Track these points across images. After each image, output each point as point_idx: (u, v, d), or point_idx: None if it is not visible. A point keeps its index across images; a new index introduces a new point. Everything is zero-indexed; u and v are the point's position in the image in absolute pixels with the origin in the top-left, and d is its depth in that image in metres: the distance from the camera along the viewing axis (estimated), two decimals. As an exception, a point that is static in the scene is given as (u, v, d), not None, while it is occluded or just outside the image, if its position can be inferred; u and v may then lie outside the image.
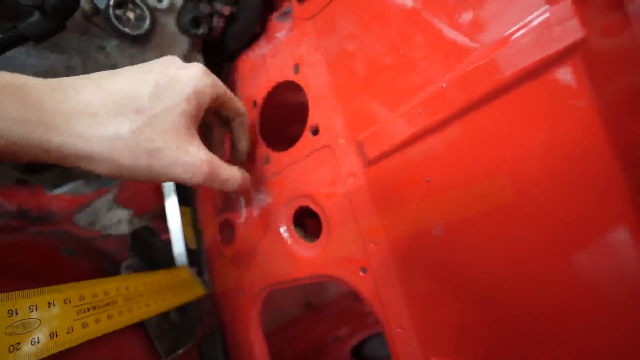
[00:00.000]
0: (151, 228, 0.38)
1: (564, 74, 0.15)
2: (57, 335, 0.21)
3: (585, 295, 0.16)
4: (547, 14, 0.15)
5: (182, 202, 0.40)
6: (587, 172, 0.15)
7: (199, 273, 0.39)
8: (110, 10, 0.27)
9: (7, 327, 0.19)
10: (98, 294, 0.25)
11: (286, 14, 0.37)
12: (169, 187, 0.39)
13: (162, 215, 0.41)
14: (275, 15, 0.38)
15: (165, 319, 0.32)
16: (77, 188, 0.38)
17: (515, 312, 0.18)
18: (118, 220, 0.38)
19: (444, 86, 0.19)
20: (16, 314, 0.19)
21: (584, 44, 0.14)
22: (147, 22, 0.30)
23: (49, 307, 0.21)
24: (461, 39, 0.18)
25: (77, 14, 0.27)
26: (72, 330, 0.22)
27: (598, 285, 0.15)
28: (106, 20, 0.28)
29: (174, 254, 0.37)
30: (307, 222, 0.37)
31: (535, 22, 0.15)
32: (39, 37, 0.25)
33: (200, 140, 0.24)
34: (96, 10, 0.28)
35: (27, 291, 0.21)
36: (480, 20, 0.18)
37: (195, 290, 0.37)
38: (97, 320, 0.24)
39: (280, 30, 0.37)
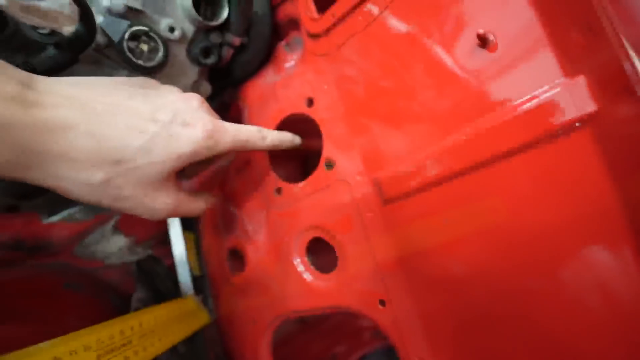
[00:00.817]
0: (155, 257, 0.37)
1: (577, 141, 0.17)
2: (79, 386, 0.20)
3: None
4: (562, 86, 0.17)
5: (185, 227, 0.40)
6: (594, 222, 0.17)
7: (204, 300, 0.39)
8: (125, 43, 0.27)
9: (34, 384, 0.18)
10: (115, 335, 0.24)
11: (293, 44, 0.38)
12: (172, 213, 0.38)
13: (163, 241, 0.40)
14: (282, 44, 0.38)
15: (174, 352, 0.32)
16: (74, 215, 0.37)
17: (535, 349, 0.20)
18: (119, 249, 0.37)
19: (464, 139, 0.20)
20: (41, 368, 0.19)
21: (596, 117, 0.16)
22: (161, 54, 0.29)
23: (71, 355, 0.21)
24: (484, 96, 0.20)
25: (90, 46, 0.27)
26: (93, 378, 0.21)
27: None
28: (119, 53, 0.28)
29: (179, 281, 0.37)
30: (315, 249, 0.38)
31: (553, 92, 0.17)
32: (51, 71, 0.24)
33: (174, 183, 0.24)
34: (110, 42, 0.27)
35: (50, 342, 0.20)
36: (502, 82, 0.19)
37: (200, 319, 0.37)
38: (115, 364, 0.23)
39: (289, 61, 0.37)
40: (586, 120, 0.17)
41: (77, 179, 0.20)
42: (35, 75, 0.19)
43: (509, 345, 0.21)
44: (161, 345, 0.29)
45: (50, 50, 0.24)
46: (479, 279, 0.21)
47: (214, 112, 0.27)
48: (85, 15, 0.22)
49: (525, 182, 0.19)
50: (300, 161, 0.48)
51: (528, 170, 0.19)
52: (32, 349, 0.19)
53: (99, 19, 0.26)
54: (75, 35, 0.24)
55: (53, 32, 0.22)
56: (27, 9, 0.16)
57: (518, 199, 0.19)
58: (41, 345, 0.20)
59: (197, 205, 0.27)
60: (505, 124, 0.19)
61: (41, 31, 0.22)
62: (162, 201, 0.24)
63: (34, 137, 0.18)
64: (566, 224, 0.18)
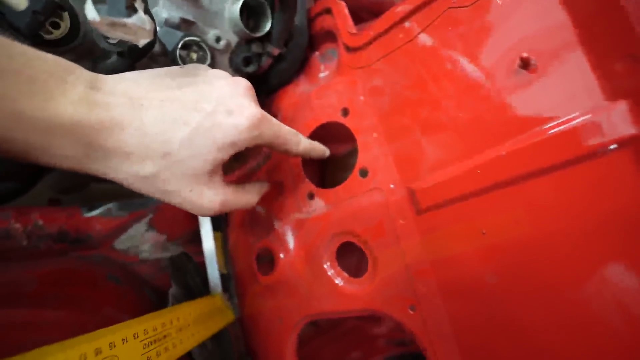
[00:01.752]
0: (187, 254, 0.39)
1: (616, 161, 0.18)
2: (130, 371, 0.22)
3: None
4: (603, 109, 0.18)
5: (214, 227, 0.41)
6: (628, 242, 0.18)
7: (230, 298, 0.40)
8: (178, 52, 0.29)
9: (96, 366, 0.19)
10: (157, 327, 0.26)
11: (327, 56, 0.40)
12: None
13: (193, 240, 0.42)
14: (316, 55, 0.40)
15: (204, 348, 0.33)
16: (112, 211, 0.39)
17: (563, 354, 0.20)
18: (152, 245, 0.39)
19: (503, 155, 0.21)
20: (101, 352, 0.20)
21: (636, 139, 0.17)
22: (208, 62, 0.31)
23: (123, 343, 0.22)
24: (521, 114, 0.21)
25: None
26: (141, 366, 0.23)
27: None
28: (171, 61, 0.30)
29: (208, 279, 0.38)
30: (342, 252, 0.39)
31: (592, 114, 0.18)
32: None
33: (221, 177, 0.24)
34: (164, 51, 0.29)
35: (107, 329, 0.21)
36: (544, 100, 0.20)
37: (226, 316, 0.38)
38: (158, 354, 0.25)
39: (322, 71, 0.39)
40: (625, 143, 0.17)
41: (130, 171, 0.21)
42: (99, 75, 0.21)
43: (537, 357, 0.21)
44: (194, 340, 0.30)
45: (114, 58, 0.26)
46: (509, 290, 0.22)
47: (257, 102, 0.26)
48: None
49: (561, 198, 0.20)
50: (320, 165, 0.50)
51: (565, 187, 0.19)
52: (90, 335, 0.21)
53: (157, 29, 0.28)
54: (137, 45, 0.26)
55: (120, 42, 0.24)
56: (115, 25, 0.17)
57: (553, 214, 0.20)
58: (97, 332, 0.21)
59: (248, 197, 0.27)
60: (543, 142, 0.20)
61: (111, 41, 0.24)
62: (208, 196, 0.24)
63: (96, 135, 0.19)
64: (600, 243, 0.19)
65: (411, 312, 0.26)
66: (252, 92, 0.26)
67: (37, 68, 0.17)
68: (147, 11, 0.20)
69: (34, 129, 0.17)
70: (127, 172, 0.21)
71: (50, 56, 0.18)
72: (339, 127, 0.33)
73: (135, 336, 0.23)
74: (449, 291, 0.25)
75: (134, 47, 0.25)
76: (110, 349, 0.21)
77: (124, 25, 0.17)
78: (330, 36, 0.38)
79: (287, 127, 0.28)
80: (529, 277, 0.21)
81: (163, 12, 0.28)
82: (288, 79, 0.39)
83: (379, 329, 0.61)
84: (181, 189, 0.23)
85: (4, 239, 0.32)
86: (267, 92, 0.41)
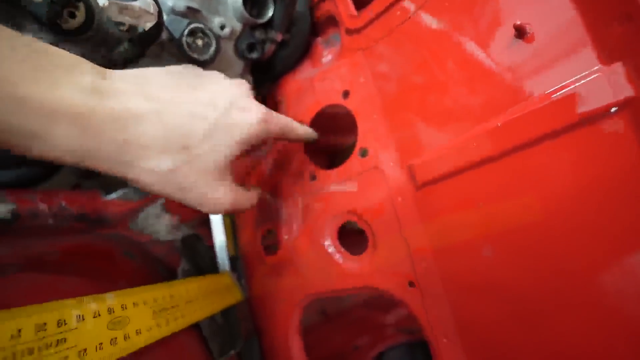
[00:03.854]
0: (198, 235, 0.40)
1: (614, 125, 0.17)
2: (140, 333, 0.23)
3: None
4: (600, 72, 0.18)
5: (223, 210, 0.43)
6: (629, 202, 0.18)
7: (238, 278, 0.42)
8: (184, 38, 0.30)
9: (108, 324, 0.21)
10: (166, 297, 0.28)
11: (330, 41, 0.40)
12: (213, 197, 0.42)
13: (204, 223, 0.43)
14: (319, 40, 0.41)
15: (213, 322, 0.34)
16: (129, 194, 0.41)
17: (558, 328, 0.20)
18: (166, 226, 0.41)
19: (499, 125, 0.21)
20: (113, 312, 0.22)
21: (634, 101, 0.17)
22: (213, 49, 0.33)
23: (134, 306, 0.24)
24: (518, 84, 0.21)
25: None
26: (151, 329, 0.24)
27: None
28: (178, 47, 0.31)
29: (217, 260, 0.40)
30: (343, 234, 0.40)
31: (590, 78, 0.18)
32: (124, 63, 0.28)
33: (232, 175, 0.25)
34: (171, 38, 0.31)
35: (118, 292, 0.23)
36: (540, 70, 0.20)
37: (235, 295, 0.40)
38: (168, 321, 0.26)
39: (325, 56, 0.40)
40: (623, 105, 0.17)
41: (145, 166, 0.20)
42: (107, 69, 0.20)
43: (537, 337, 0.21)
44: (202, 313, 0.32)
45: (125, 45, 0.27)
46: (508, 266, 0.22)
47: None
48: (158, 14, 0.25)
49: (559, 167, 0.20)
50: (327, 156, 0.50)
51: (562, 155, 0.19)
52: (102, 295, 0.22)
53: (164, 17, 0.30)
54: (146, 32, 0.27)
55: (129, 29, 0.26)
56: (122, 9, 0.19)
57: (552, 184, 0.20)
58: (110, 293, 0.23)
59: (250, 198, 0.27)
60: (541, 109, 0.20)
61: (121, 27, 0.25)
62: (222, 193, 0.24)
63: (109, 126, 0.18)
64: (603, 211, 0.18)
65: (410, 288, 0.27)
66: (252, 92, 0.28)
67: (42, 59, 0.17)
68: (150, -4, 0.21)
69: (37, 115, 0.16)
70: (142, 167, 0.20)
71: (56, 48, 0.18)
72: (343, 117, 0.33)
73: (145, 302, 0.25)
74: (447, 266, 0.25)
75: (143, 34, 0.27)
76: (122, 310, 0.22)
77: (133, 9, 0.19)
78: (333, 21, 0.38)
79: (286, 118, 0.29)
80: (526, 249, 0.21)
81: (169, 0, 0.29)
82: (292, 64, 0.40)
83: (387, 318, 0.61)
84: (198, 184, 0.22)
85: (31, 218, 0.34)
86: (271, 78, 0.42)
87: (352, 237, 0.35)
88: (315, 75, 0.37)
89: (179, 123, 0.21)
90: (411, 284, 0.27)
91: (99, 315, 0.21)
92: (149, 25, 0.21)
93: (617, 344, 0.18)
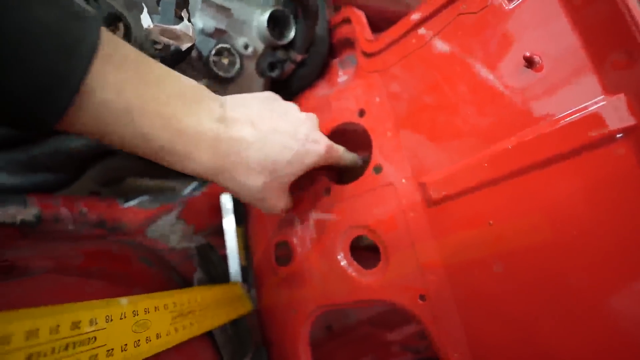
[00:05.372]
0: (211, 245, 0.41)
1: (617, 151, 0.19)
2: (160, 337, 0.24)
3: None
4: (604, 102, 0.19)
5: (236, 221, 0.44)
6: (633, 225, 0.19)
7: (248, 289, 0.42)
8: (211, 57, 0.33)
9: (132, 326, 0.22)
10: (184, 303, 0.28)
11: (346, 62, 0.42)
12: (227, 208, 0.43)
13: (217, 232, 0.44)
14: (336, 61, 0.43)
15: (225, 331, 0.35)
16: (145, 203, 0.43)
17: (568, 348, 0.21)
18: (181, 235, 0.42)
19: (510, 147, 0.23)
20: (137, 314, 0.23)
21: (635, 130, 0.18)
22: (237, 67, 0.35)
23: (155, 310, 0.24)
24: (528, 111, 0.22)
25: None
26: (169, 334, 0.25)
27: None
28: (204, 65, 0.33)
29: (229, 269, 0.40)
30: (355, 251, 0.41)
31: (594, 107, 0.19)
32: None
33: (288, 190, 0.31)
34: (199, 56, 0.33)
35: (141, 295, 0.24)
36: (547, 98, 0.22)
37: (245, 305, 0.40)
38: (184, 327, 0.27)
39: (341, 76, 0.42)
40: (625, 133, 0.18)
41: (245, 183, 0.26)
42: (218, 96, 0.26)
43: (549, 348, 0.22)
44: (215, 321, 0.33)
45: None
46: (518, 283, 0.23)
47: None
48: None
49: (565, 189, 0.21)
50: (338, 171, 0.52)
51: (568, 177, 0.20)
52: (129, 297, 0.23)
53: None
54: (177, 50, 0.29)
55: (164, 47, 0.28)
56: (165, 31, 0.20)
57: (558, 206, 0.21)
58: (135, 296, 0.24)
59: (291, 202, 0.33)
60: (548, 134, 0.21)
61: (157, 46, 0.28)
62: (284, 201, 0.31)
63: (229, 149, 0.24)
64: (608, 234, 0.19)
65: (421, 302, 0.27)
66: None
67: (188, 92, 0.22)
68: (189, 20, 0.23)
69: (189, 142, 0.22)
70: (242, 183, 0.26)
71: (187, 79, 0.23)
72: (356, 134, 0.35)
73: (165, 307, 0.26)
74: (457, 281, 0.26)
75: (175, 52, 0.29)
76: (145, 314, 0.23)
77: (172, 31, 0.21)
78: (349, 44, 0.40)
79: (339, 148, 0.34)
80: (535, 268, 0.22)
81: (199, 22, 0.32)
82: (309, 83, 0.42)
83: (393, 335, 0.61)
84: (273, 196, 0.29)
85: (54, 222, 0.36)
86: (289, 95, 0.44)
87: (363, 253, 0.36)
88: (332, 93, 0.39)
89: (273, 151, 0.26)
90: (422, 297, 0.27)
91: (125, 317, 0.21)
92: (186, 46, 0.23)
93: (628, 363, 0.19)
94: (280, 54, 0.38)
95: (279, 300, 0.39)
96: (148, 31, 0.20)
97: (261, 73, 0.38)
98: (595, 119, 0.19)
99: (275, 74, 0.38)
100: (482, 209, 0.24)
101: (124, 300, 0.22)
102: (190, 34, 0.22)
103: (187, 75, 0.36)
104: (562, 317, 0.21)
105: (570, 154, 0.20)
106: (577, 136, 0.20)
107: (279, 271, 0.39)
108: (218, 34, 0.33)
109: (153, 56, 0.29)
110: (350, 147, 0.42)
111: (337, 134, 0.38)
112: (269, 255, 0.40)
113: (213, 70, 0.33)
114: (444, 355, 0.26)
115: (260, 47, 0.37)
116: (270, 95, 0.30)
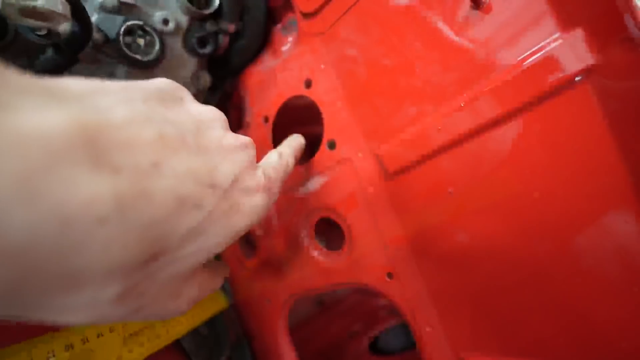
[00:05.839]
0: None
1: (577, 96, 0.16)
2: (108, 364, 0.22)
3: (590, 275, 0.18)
4: (559, 41, 0.16)
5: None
6: (597, 177, 0.17)
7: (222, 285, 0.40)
8: (121, 38, 0.28)
9: (67, 362, 0.19)
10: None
11: (289, 27, 0.38)
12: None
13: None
14: (278, 27, 0.38)
15: (196, 334, 0.33)
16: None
17: (530, 300, 0.20)
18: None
19: (462, 105, 0.20)
20: (72, 348, 0.20)
21: (594, 71, 0.16)
22: (157, 47, 0.30)
23: (97, 337, 0.22)
24: (481, 60, 0.20)
25: (88, 45, 0.27)
26: (121, 358, 0.23)
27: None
28: (117, 49, 0.28)
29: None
30: (325, 229, 0.39)
31: (549, 48, 0.17)
32: (55, 72, 0.25)
33: (202, 270, 0.17)
34: (107, 39, 0.28)
35: (77, 327, 0.22)
36: (500, 42, 0.19)
37: (219, 303, 0.38)
38: (141, 344, 0.25)
39: (285, 44, 0.37)
40: (585, 74, 0.16)
41: (69, 303, 0.11)
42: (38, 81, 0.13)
43: (519, 314, 0.21)
44: (182, 328, 0.31)
45: (50, 52, 0.24)
46: (484, 248, 0.21)
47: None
48: (79, 13, 0.22)
49: (525, 143, 0.19)
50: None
51: (528, 131, 0.18)
52: (60, 332, 0.21)
53: (94, 16, 0.27)
54: (72, 35, 0.24)
55: (49, 34, 0.23)
56: (23, 10, 0.16)
57: (519, 162, 0.19)
58: (68, 328, 0.21)
59: (217, 281, 0.20)
60: (503, 85, 0.19)
61: (39, 33, 0.23)
62: (186, 295, 0.16)
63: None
64: (573, 184, 0.18)
65: (388, 280, 0.26)
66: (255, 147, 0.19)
67: None
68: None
69: None
70: (59, 306, 0.11)
71: None
72: (308, 109, 0.32)
73: (111, 330, 0.23)
74: (423, 255, 0.24)
75: (68, 39, 0.24)
76: (83, 344, 0.21)
77: (34, 9, 0.16)
78: (290, 5, 0.36)
79: (272, 160, 0.22)
80: (499, 234, 0.20)
81: (97, -4, 0.26)
82: (251, 56, 0.38)
83: (380, 301, 0.62)
84: (159, 298, 0.14)
85: None
86: (232, 72, 0.39)
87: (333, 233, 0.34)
88: (277, 65, 0.35)
89: (153, 217, 0.12)
90: (390, 275, 0.26)
91: (55, 355, 0.19)
92: (63, 27, 0.19)
93: (596, 309, 0.18)
94: (209, 26, 0.33)
95: (253, 293, 0.37)
96: (3, 12, 0.16)
97: (191, 51, 0.33)
98: (551, 61, 0.17)
99: (207, 50, 0.34)
100: (440, 177, 0.22)
101: (50, 338, 0.20)
102: (60, 10, 0.18)
103: (102, 63, 0.32)
104: (530, 282, 0.20)
105: (525, 106, 0.18)
106: (532, 84, 0.17)
107: (247, 263, 0.37)
108: (125, 9, 0.28)
109: (41, 46, 0.24)
110: (304, 124, 0.38)
111: (287, 112, 0.34)
112: (236, 248, 0.38)
113: (128, 54, 0.28)
114: (417, 331, 0.25)
115: (184, 20, 0.32)
116: (161, 87, 0.15)
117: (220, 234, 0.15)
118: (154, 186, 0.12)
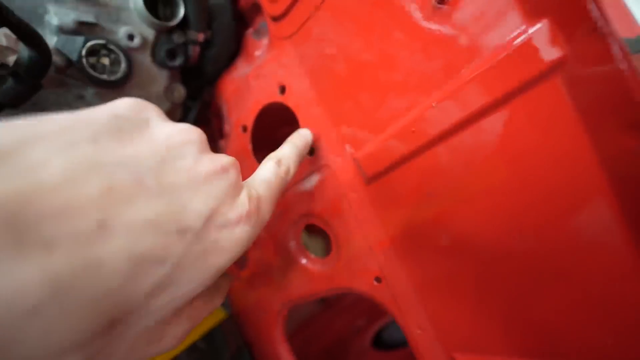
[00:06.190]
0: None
1: (546, 90, 0.16)
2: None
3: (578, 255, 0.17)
4: (525, 34, 0.16)
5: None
6: (575, 173, 0.16)
7: (216, 297, 0.40)
8: (84, 60, 0.27)
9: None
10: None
11: (261, 30, 0.37)
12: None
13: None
14: (250, 31, 0.37)
15: (194, 349, 0.33)
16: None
17: (517, 296, 0.20)
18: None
19: (434, 105, 0.19)
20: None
21: (563, 63, 0.15)
22: (123, 65, 0.29)
23: None
24: (447, 57, 0.19)
25: (51, 69, 0.27)
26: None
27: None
28: (81, 71, 0.27)
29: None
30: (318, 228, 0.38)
31: (517, 42, 0.16)
32: (17, 101, 0.24)
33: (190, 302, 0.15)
34: (69, 62, 0.27)
35: None
36: (467, 37, 0.18)
37: (216, 315, 0.38)
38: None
39: (258, 48, 0.36)
40: (554, 66, 0.15)
41: None
42: None
43: (507, 311, 0.20)
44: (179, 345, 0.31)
45: (9, 82, 0.24)
46: (467, 246, 0.21)
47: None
48: (32, 39, 0.22)
49: (499, 139, 0.18)
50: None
51: (498, 129, 0.18)
52: None
53: (53, 39, 0.26)
54: (30, 62, 0.23)
55: (3, 64, 0.22)
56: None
57: (494, 157, 0.18)
58: None
59: (216, 301, 0.18)
60: (470, 83, 0.18)
61: (-7, 65, 0.22)
62: (170, 335, 0.15)
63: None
64: (548, 178, 0.17)
65: (376, 284, 0.26)
66: (238, 167, 0.17)
67: None
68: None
69: None
70: None
71: None
72: (286, 115, 0.31)
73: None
74: (408, 257, 0.24)
75: (27, 66, 0.23)
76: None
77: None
78: (260, 9, 0.35)
79: (266, 171, 0.19)
80: (480, 235, 0.20)
81: (53, 18, 0.25)
82: (224, 64, 0.37)
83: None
84: (135, 350, 0.13)
85: None
86: (208, 82, 0.38)
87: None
88: (250, 72, 0.34)
89: (105, 290, 0.10)
90: (378, 279, 0.26)
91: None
92: (12, 59, 0.18)
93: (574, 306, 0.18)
94: (177, 38, 0.32)
95: (248, 303, 0.37)
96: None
97: (161, 65, 0.32)
98: (519, 56, 0.16)
99: (178, 62, 0.33)
100: (418, 180, 0.22)
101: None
102: (4, 42, 0.17)
103: (70, 86, 0.31)
104: (516, 277, 0.19)
105: (494, 104, 0.17)
106: (500, 81, 0.17)
107: (240, 274, 0.37)
108: (85, 28, 0.27)
109: (1, 77, 0.24)
110: (291, 123, 0.37)
111: (265, 120, 0.34)
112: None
113: (93, 75, 0.27)
114: (409, 333, 0.25)
115: (150, 33, 0.31)
116: (119, 113, 0.13)
117: (194, 280, 0.13)
118: (100, 252, 0.10)
